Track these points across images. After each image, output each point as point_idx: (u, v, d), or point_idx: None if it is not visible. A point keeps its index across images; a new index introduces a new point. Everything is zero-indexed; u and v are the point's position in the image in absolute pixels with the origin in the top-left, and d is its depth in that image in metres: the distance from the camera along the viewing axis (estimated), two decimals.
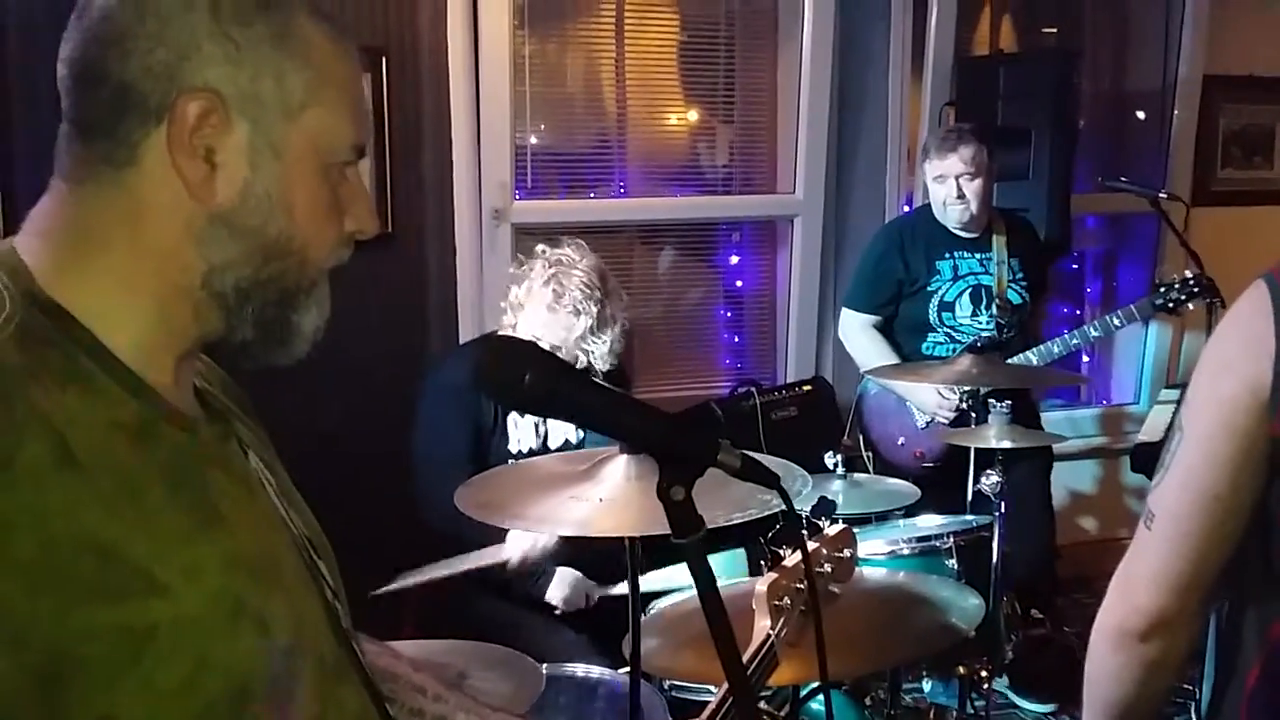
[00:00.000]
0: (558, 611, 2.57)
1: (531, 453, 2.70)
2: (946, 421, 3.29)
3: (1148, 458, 3.49)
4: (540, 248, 2.72)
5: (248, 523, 0.83)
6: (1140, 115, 4.71)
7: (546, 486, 1.67)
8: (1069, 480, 4.48)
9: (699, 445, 0.90)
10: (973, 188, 3.33)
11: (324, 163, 0.85)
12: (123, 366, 0.78)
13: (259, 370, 0.90)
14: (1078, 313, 4.76)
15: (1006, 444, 2.61)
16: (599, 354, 2.65)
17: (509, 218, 3.51)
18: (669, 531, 0.90)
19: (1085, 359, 4.80)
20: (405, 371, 3.14)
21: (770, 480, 0.94)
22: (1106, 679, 1.21)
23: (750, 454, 0.94)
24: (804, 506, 2.26)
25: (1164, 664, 1.17)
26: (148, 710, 0.71)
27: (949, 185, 3.34)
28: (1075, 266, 4.87)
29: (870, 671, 2.12)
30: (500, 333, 2.76)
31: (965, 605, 2.00)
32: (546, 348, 2.52)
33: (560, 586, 2.58)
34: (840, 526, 1.69)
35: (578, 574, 2.59)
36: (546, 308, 2.61)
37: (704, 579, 0.92)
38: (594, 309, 2.61)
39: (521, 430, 2.70)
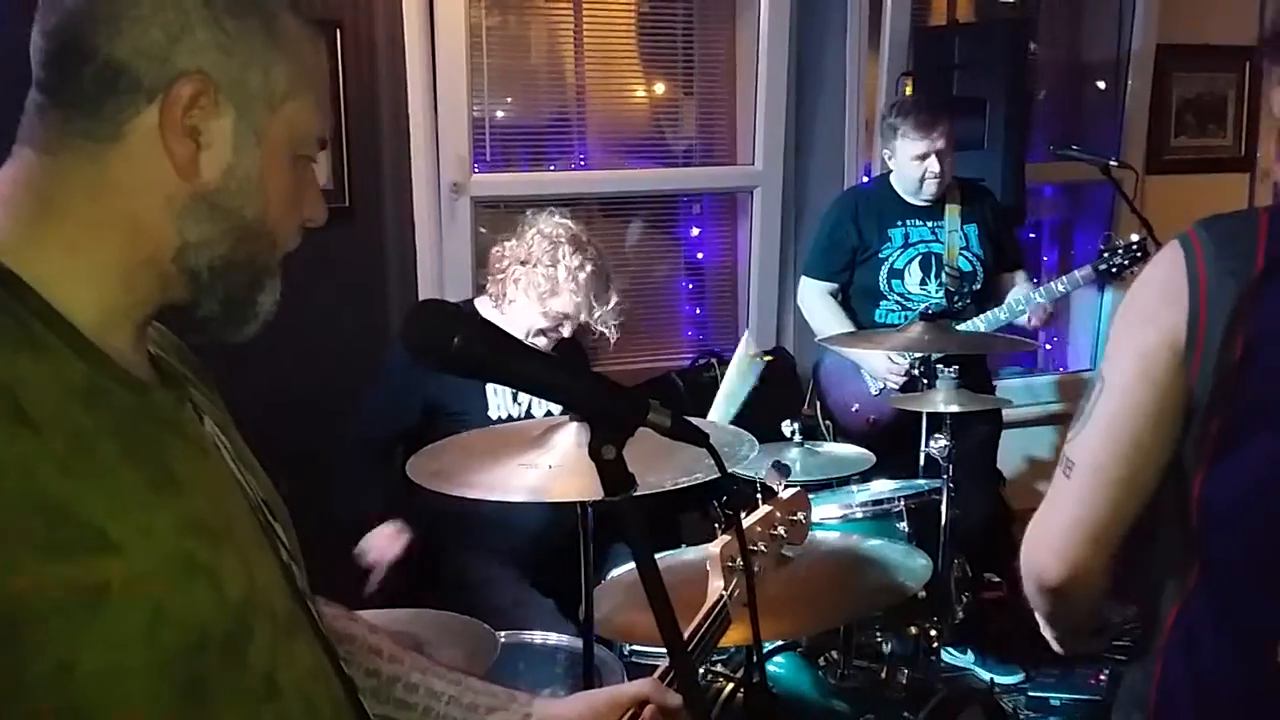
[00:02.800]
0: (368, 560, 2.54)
1: (511, 421, 2.70)
2: (896, 387, 3.33)
3: None
4: (536, 218, 2.68)
5: (201, 484, 0.85)
6: (1100, 85, 4.75)
7: (497, 454, 1.70)
8: (1026, 446, 4.55)
9: (629, 405, 0.93)
10: (950, 161, 3.39)
11: (294, 153, 0.90)
12: (75, 331, 0.80)
13: (217, 345, 0.93)
14: (1034, 281, 4.83)
15: (954, 408, 2.66)
16: (611, 321, 2.65)
17: (468, 191, 3.51)
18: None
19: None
20: (365, 346, 3.14)
21: (700, 439, 0.96)
22: (1038, 612, 1.27)
23: (682, 415, 0.96)
24: (758, 471, 2.29)
25: (1084, 602, 1.20)
26: (106, 658, 0.73)
27: (931, 162, 3.37)
28: (1032, 235, 4.92)
29: (819, 629, 2.16)
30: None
31: (914, 565, 2.05)
32: (549, 323, 2.58)
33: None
34: (794, 490, 1.71)
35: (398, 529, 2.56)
36: (566, 280, 2.56)
37: (637, 537, 0.95)
38: (605, 276, 2.62)
39: (500, 399, 2.69)
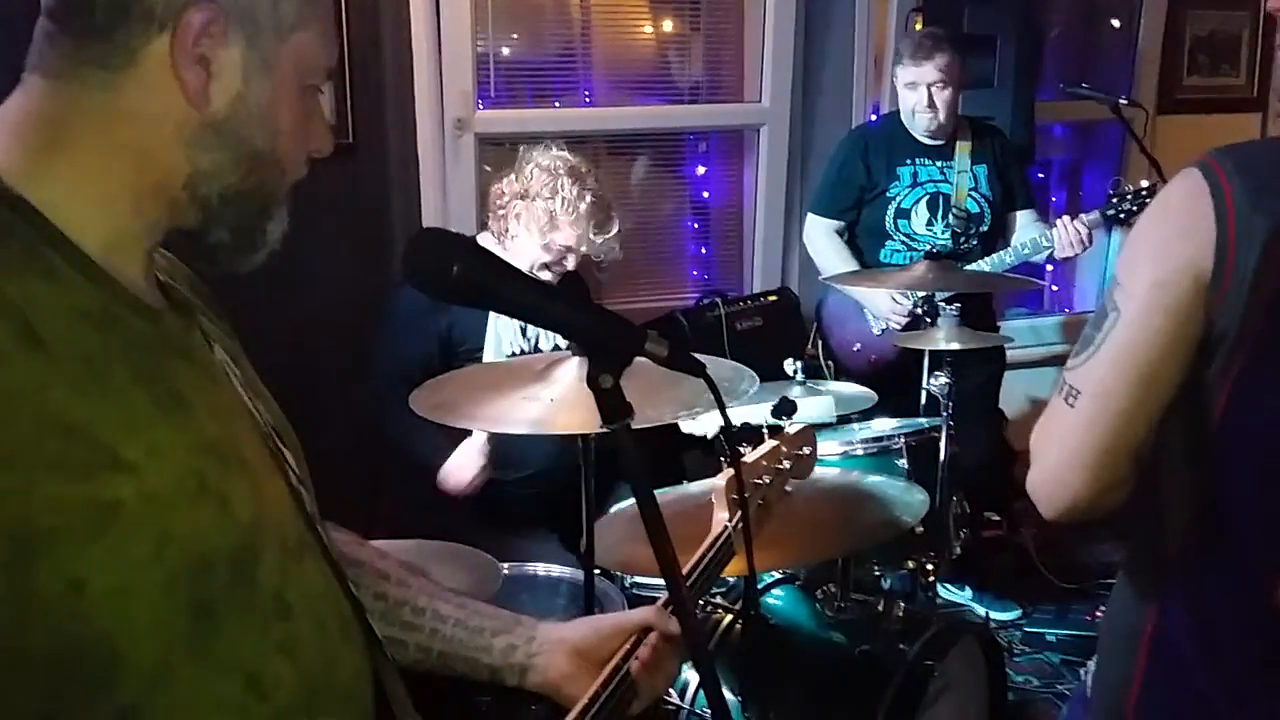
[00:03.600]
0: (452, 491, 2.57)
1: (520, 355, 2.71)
2: (899, 328, 3.33)
3: None
4: (533, 152, 2.68)
5: (211, 409, 0.86)
6: (1114, 23, 4.69)
7: (500, 387, 1.71)
8: (1030, 387, 4.56)
9: (627, 334, 0.94)
10: (943, 97, 3.34)
11: (303, 83, 0.91)
12: (85, 257, 0.81)
13: (224, 279, 0.95)
14: (1043, 220, 4.82)
15: (955, 345, 2.67)
16: (614, 251, 2.66)
17: (472, 127, 3.49)
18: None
19: (1049, 267, 4.85)
20: (368, 282, 3.15)
21: (696, 369, 0.97)
22: None
23: (678, 345, 0.97)
24: (764, 408, 2.31)
25: (1099, 515, 1.18)
26: (116, 577, 0.75)
27: (920, 93, 3.34)
28: (1041, 175, 4.89)
29: (817, 560, 2.19)
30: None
31: (911, 501, 2.08)
32: (553, 256, 2.58)
33: (454, 473, 2.56)
34: (800, 425, 1.73)
35: (478, 458, 2.56)
36: (566, 211, 2.57)
37: (635, 469, 0.96)
38: (606, 206, 2.63)
39: (511, 334, 2.70)
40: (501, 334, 2.69)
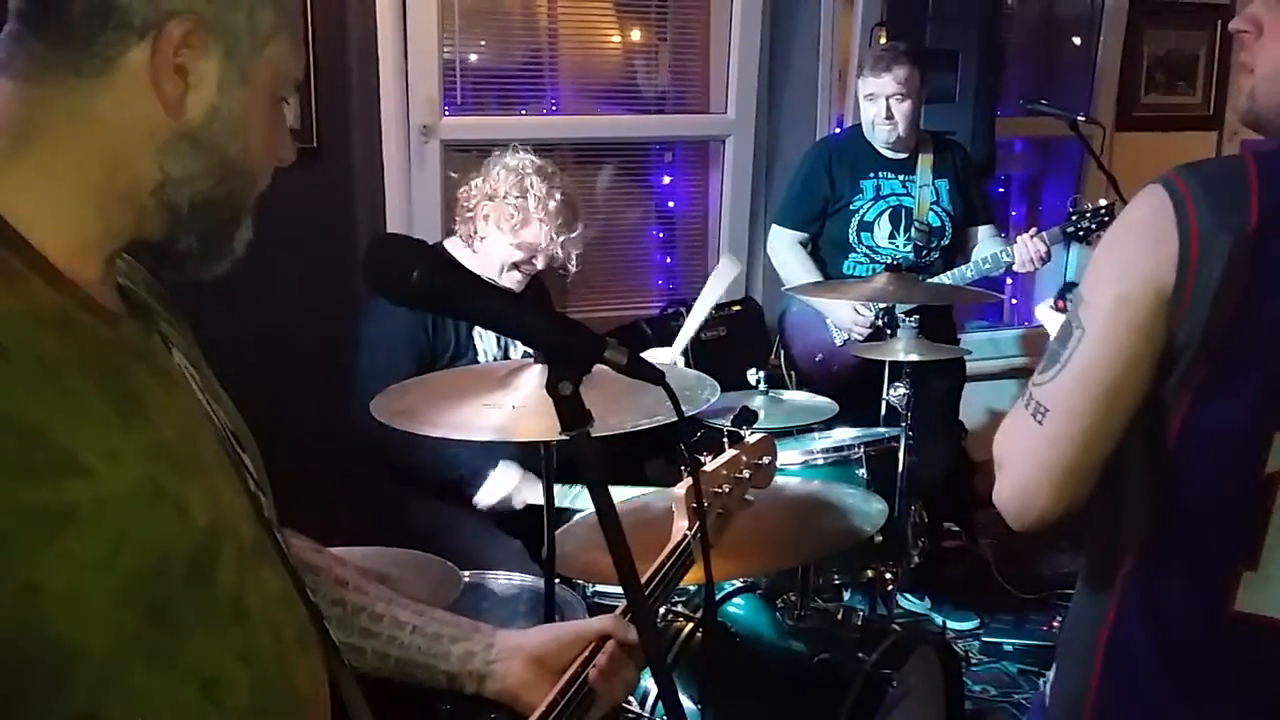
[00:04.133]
0: (482, 507, 2.60)
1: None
2: (860, 339, 3.36)
3: None
4: (498, 156, 2.69)
5: (169, 413, 0.86)
6: (1075, 41, 4.76)
7: (462, 394, 1.71)
8: (989, 399, 4.61)
9: (586, 341, 0.94)
10: (902, 109, 3.37)
11: (274, 94, 0.91)
12: (45, 261, 0.81)
13: (187, 285, 0.94)
14: (1003, 236, 4.89)
15: (914, 357, 2.70)
16: (575, 251, 2.67)
17: (438, 134, 3.49)
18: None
19: (1009, 281, 4.91)
20: (332, 288, 3.13)
21: (655, 377, 0.98)
22: None
23: (638, 354, 0.98)
24: (726, 418, 2.32)
25: (1065, 525, 1.21)
26: (72, 581, 0.74)
27: (879, 104, 3.38)
28: (1001, 190, 4.96)
29: (776, 569, 2.20)
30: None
31: (869, 510, 2.09)
32: (522, 255, 2.58)
33: (496, 488, 2.58)
34: (760, 435, 1.74)
35: (519, 471, 2.60)
36: (536, 209, 2.58)
37: (592, 473, 0.97)
38: (573, 205, 2.64)
39: (486, 343, 2.70)
40: (479, 344, 2.69)
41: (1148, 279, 1.10)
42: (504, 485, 2.58)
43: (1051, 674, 1.35)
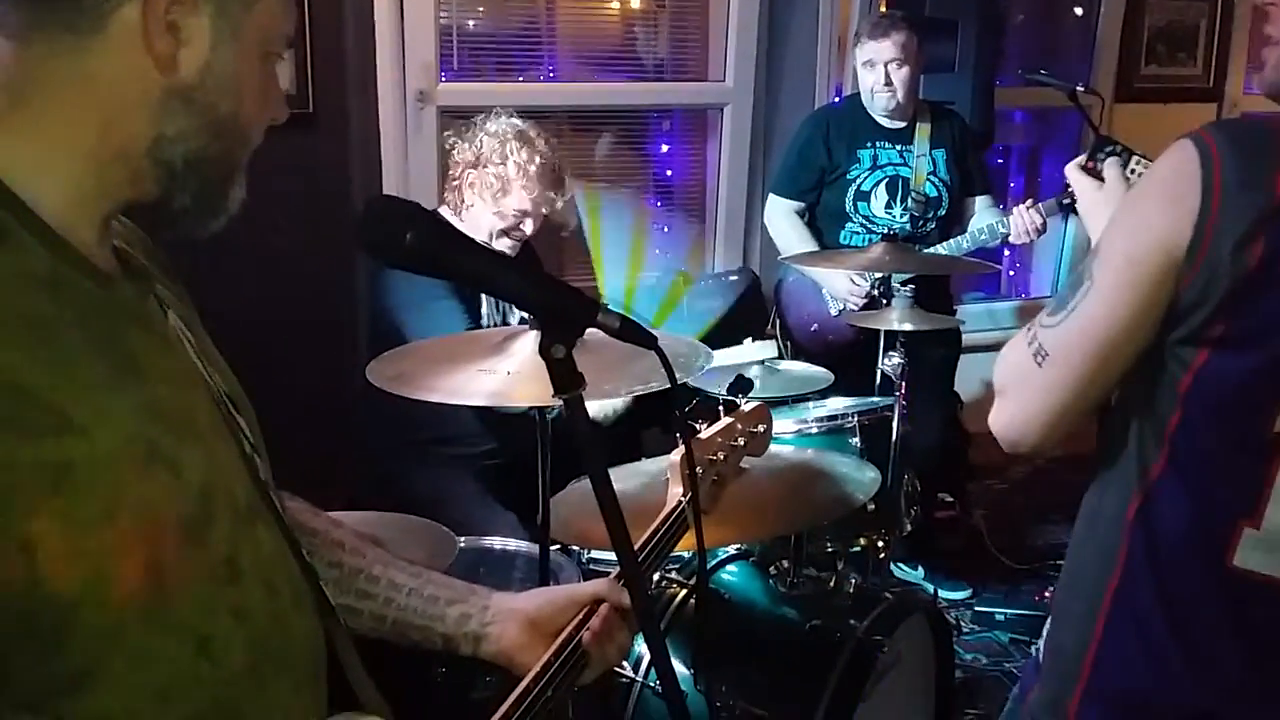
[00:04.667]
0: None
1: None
2: (856, 308, 3.36)
3: None
4: (482, 121, 2.67)
5: (164, 375, 0.87)
6: (1077, 11, 4.74)
7: (457, 360, 1.72)
8: (985, 371, 4.56)
9: (579, 305, 0.95)
10: (900, 75, 3.36)
11: (265, 51, 0.91)
12: (40, 221, 0.81)
13: (183, 247, 0.95)
14: (1002, 207, 4.89)
15: (909, 326, 2.70)
16: (569, 218, 2.67)
17: (434, 100, 3.47)
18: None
19: (1006, 252, 4.91)
20: (329, 253, 3.13)
21: (647, 341, 0.98)
22: None
23: (629, 317, 0.98)
24: (721, 386, 2.33)
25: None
26: (66, 538, 0.75)
27: (878, 71, 3.36)
28: (1000, 160, 4.95)
29: (769, 537, 2.22)
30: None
31: (863, 478, 2.10)
32: (508, 222, 2.56)
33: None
34: (756, 403, 1.75)
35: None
36: (517, 176, 2.56)
37: (585, 438, 0.98)
38: (555, 168, 2.62)
39: (487, 309, 2.68)
40: (488, 306, 2.67)
41: (1161, 238, 1.11)
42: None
43: (1047, 628, 1.37)
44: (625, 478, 2.05)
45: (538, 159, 2.58)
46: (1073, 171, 1.46)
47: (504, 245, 2.65)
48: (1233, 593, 1.17)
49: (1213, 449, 1.17)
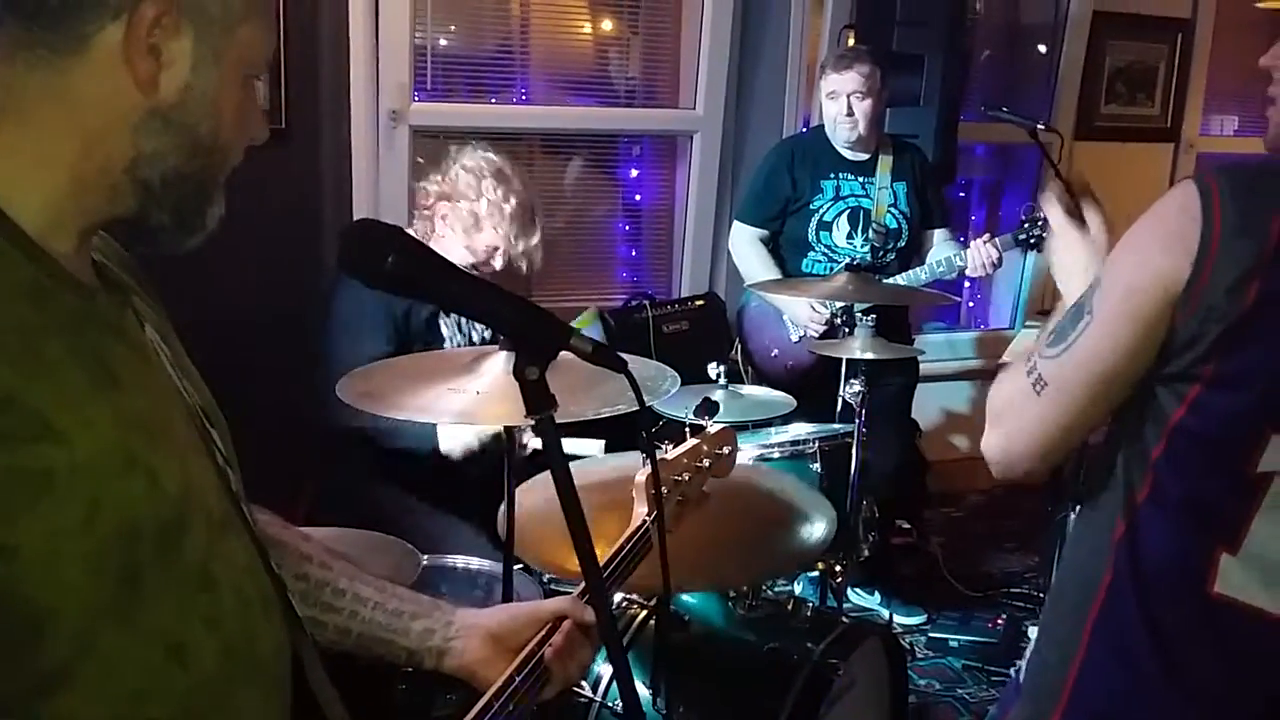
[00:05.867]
0: (453, 457, 2.52)
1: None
2: (816, 335, 3.42)
3: None
4: (458, 152, 2.67)
5: (141, 386, 0.88)
6: (1041, 49, 4.84)
7: (426, 378, 1.74)
8: (943, 400, 4.69)
9: (553, 329, 0.98)
10: (862, 107, 3.43)
11: (245, 73, 0.93)
12: (22, 234, 0.83)
13: (154, 263, 0.97)
14: (962, 240, 4.97)
15: (870, 355, 2.75)
16: (535, 256, 2.66)
17: (407, 119, 3.50)
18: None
19: (967, 284, 4.99)
20: (298, 269, 3.14)
21: (618, 365, 1.01)
22: None
23: (601, 342, 1.01)
24: (688, 409, 2.36)
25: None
26: (45, 544, 0.76)
27: (840, 102, 3.43)
28: (962, 194, 5.03)
29: (730, 585, 2.23)
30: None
31: (820, 520, 2.14)
32: (478, 257, 2.57)
33: (449, 436, 2.51)
34: (721, 425, 1.77)
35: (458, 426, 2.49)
36: (490, 213, 2.57)
37: (556, 454, 1.00)
38: (529, 209, 2.63)
39: (451, 330, 2.69)
40: (444, 332, 2.68)
41: (1160, 275, 1.15)
42: (455, 435, 2.50)
43: (1030, 648, 1.40)
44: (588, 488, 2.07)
45: (513, 198, 2.59)
46: (1055, 210, 1.49)
47: None
48: (1213, 619, 1.21)
49: (1195, 483, 1.21)
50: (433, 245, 2.62)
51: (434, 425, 2.48)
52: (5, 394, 0.76)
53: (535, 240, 2.66)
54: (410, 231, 2.70)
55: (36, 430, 0.77)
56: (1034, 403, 1.25)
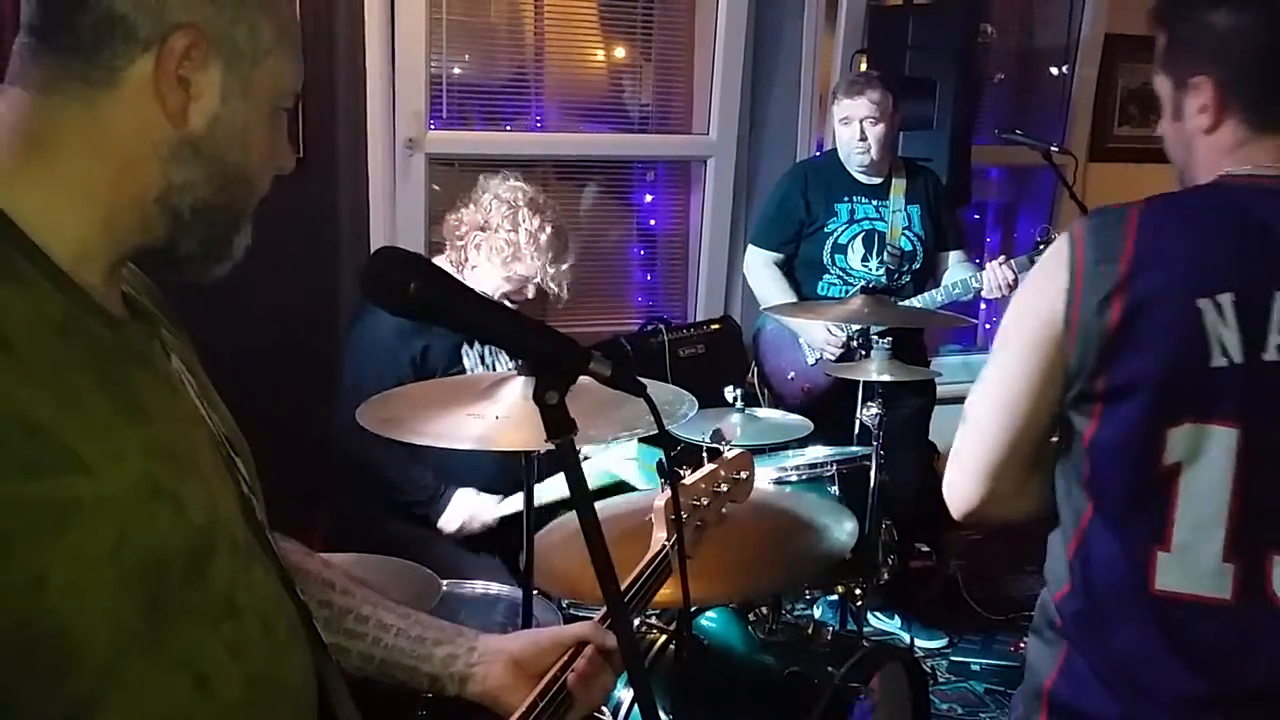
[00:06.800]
0: (447, 530, 2.61)
1: None
2: (833, 358, 3.42)
3: None
4: (490, 182, 2.72)
5: (168, 416, 0.89)
6: (1054, 71, 4.85)
7: (446, 404, 1.74)
8: None
9: (573, 353, 0.98)
10: (875, 132, 3.44)
11: (274, 105, 0.95)
12: (53, 265, 0.84)
13: (180, 292, 0.98)
14: (977, 262, 4.97)
15: (886, 377, 2.75)
16: (566, 281, 2.71)
17: (423, 147, 3.53)
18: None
19: (983, 305, 4.97)
20: (316, 297, 3.16)
21: (637, 389, 1.02)
22: None
23: (620, 364, 1.02)
24: (703, 434, 2.36)
25: (998, 516, 1.46)
26: (75, 575, 0.77)
27: (853, 128, 3.45)
28: (976, 216, 5.03)
29: (750, 595, 2.23)
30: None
31: (841, 528, 2.13)
32: (514, 286, 2.61)
33: (454, 513, 2.61)
34: (739, 450, 1.78)
35: (475, 496, 2.62)
36: (528, 243, 2.62)
37: (575, 481, 1.00)
38: (564, 236, 2.68)
39: (472, 360, 2.72)
40: (466, 361, 2.71)
41: (1040, 307, 1.32)
42: (462, 510, 2.61)
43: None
44: (610, 518, 2.07)
45: (549, 227, 2.65)
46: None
47: None
48: (1160, 614, 1.32)
49: (1121, 490, 1.33)
50: (467, 275, 2.68)
51: (444, 491, 2.59)
52: (35, 425, 0.77)
53: (567, 267, 2.70)
54: (439, 260, 2.76)
55: (65, 461, 0.78)
56: (961, 437, 1.42)
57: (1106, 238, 1.31)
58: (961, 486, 1.42)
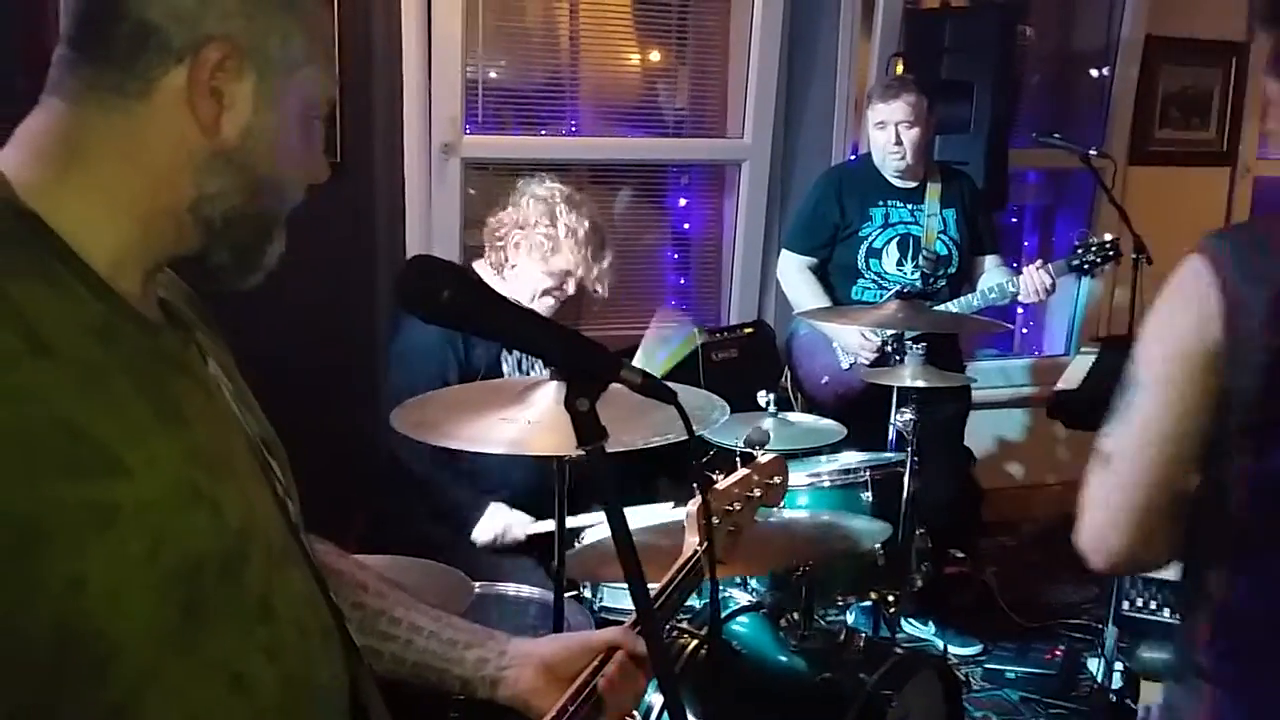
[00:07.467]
0: (479, 542, 2.64)
1: None
2: (867, 363, 3.41)
3: (1064, 405, 3.66)
4: (524, 185, 2.75)
5: (205, 421, 0.91)
6: (1093, 74, 4.81)
7: (479, 408, 1.76)
8: (997, 427, 4.64)
9: (604, 361, 0.99)
10: (910, 136, 3.42)
11: (307, 115, 0.96)
12: (92, 272, 0.85)
13: (212, 295, 1.00)
14: (1014, 265, 4.93)
15: (920, 383, 2.73)
16: (606, 279, 2.74)
17: (459, 152, 3.55)
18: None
19: (1020, 310, 4.94)
20: (352, 302, 3.18)
21: (668, 397, 1.02)
22: None
23: (650, 373, 1.02)
24: (737, 439, 2.36)
25: (1149, 566, 1.37)
26: (114, 575, 0.78)
27: (888, 132, 3.44)
28: (1014, 220, 4.99)
29: (780, 567, 2.21)
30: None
31: (873, 529, 2.13)
32: (554, 281, 2.63)
33: (488, 525, 2.63)
34: (772, 455, 1.77)
35: (508, 512, 2.64)
36: (566, 237, 2.65)
37: (605, 487, 1.01)
38: (601, 232, 2.71)
39: (510, 365, 2.74)
40: (504, 368, 2.72)
41: (1187, 335, 1.22)
42: (496, 523, 2.63)
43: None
44: (641, 528, 2.08)
45: (586, 222, 2.68)
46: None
47: (545, 305, 2.71)
48: None
49: (1275, 529, 1.23)
50: (507, 275, 2.70)
51: (481, 502, 2.61)
52: (75, 429, 0.78)
53: (607, 264, 2.72)
54: (479, 264, 2.78)
55: (105, 465, 0.79)
56: (1103, 478, 1.30)
57: (1256, 253, 1.22)
58: (1107, 530, 1.31)
